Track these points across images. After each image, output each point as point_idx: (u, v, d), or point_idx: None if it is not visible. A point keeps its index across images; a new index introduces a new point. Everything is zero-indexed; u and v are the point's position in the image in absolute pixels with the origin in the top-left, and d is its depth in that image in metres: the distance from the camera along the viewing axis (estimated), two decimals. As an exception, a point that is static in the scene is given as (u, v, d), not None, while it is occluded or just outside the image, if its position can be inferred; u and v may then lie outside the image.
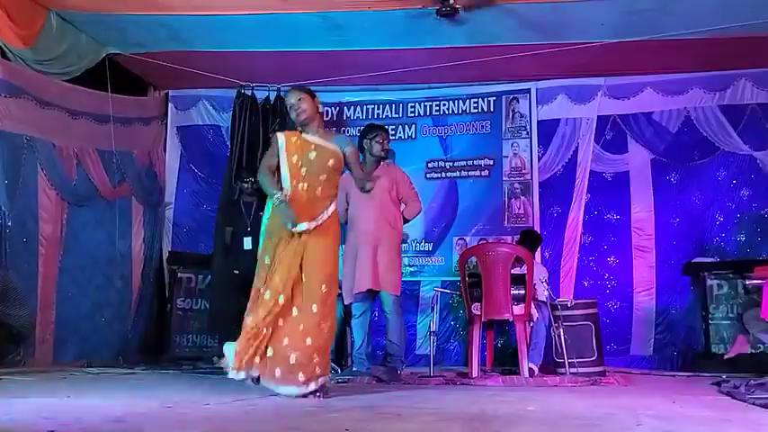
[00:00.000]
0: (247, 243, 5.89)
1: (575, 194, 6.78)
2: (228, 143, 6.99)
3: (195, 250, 7.02)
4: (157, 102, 7.29)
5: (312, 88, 3.96)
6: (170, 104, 7.34)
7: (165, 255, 7.03)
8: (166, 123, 7.32)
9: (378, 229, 4.98)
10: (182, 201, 7.28)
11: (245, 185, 6.15)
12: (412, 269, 6.91)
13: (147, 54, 6.27)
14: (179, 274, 6.70)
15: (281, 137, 3.85)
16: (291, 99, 3.82)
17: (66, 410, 2.95)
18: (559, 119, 6.95)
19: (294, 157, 3.76)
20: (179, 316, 6.59)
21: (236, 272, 5.83)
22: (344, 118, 7.32)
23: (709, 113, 6.59)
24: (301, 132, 3.85)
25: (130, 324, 6.66)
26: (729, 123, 6.52)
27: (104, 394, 3.72)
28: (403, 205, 5.19)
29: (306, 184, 3.74)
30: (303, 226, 3.67)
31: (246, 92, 6.96)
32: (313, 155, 3.77)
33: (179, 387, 4.14)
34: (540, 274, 5.57)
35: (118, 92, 6.40)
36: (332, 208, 3.80)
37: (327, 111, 7.24)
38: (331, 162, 3.80)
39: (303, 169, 3.75)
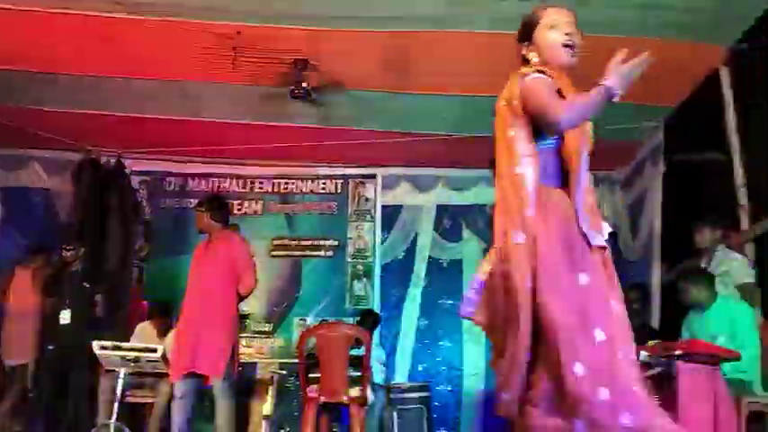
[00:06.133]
0: (65, 317, 5.35)
1: (413, 279, 6.99)
2: (58, 209, 6.55)
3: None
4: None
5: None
6: (-6, 163, 6.80)
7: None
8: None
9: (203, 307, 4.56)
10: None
11: (68, 253, 5.66)
12: (250, 350, 6.70)
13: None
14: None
15: None
16: (564, 18, 2.23)
17: None
18: (402, 205, 7.20)
19: None
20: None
21: (50, 347, 5.29)
22: (188, 189, 7.12)
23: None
24: None
25: None
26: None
27: None
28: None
29: None
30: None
31: (85, 156, 6.60)
32: None
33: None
34: (377, 356, 5.61)
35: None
36: None
37: (171, 181, 7.06)
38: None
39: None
